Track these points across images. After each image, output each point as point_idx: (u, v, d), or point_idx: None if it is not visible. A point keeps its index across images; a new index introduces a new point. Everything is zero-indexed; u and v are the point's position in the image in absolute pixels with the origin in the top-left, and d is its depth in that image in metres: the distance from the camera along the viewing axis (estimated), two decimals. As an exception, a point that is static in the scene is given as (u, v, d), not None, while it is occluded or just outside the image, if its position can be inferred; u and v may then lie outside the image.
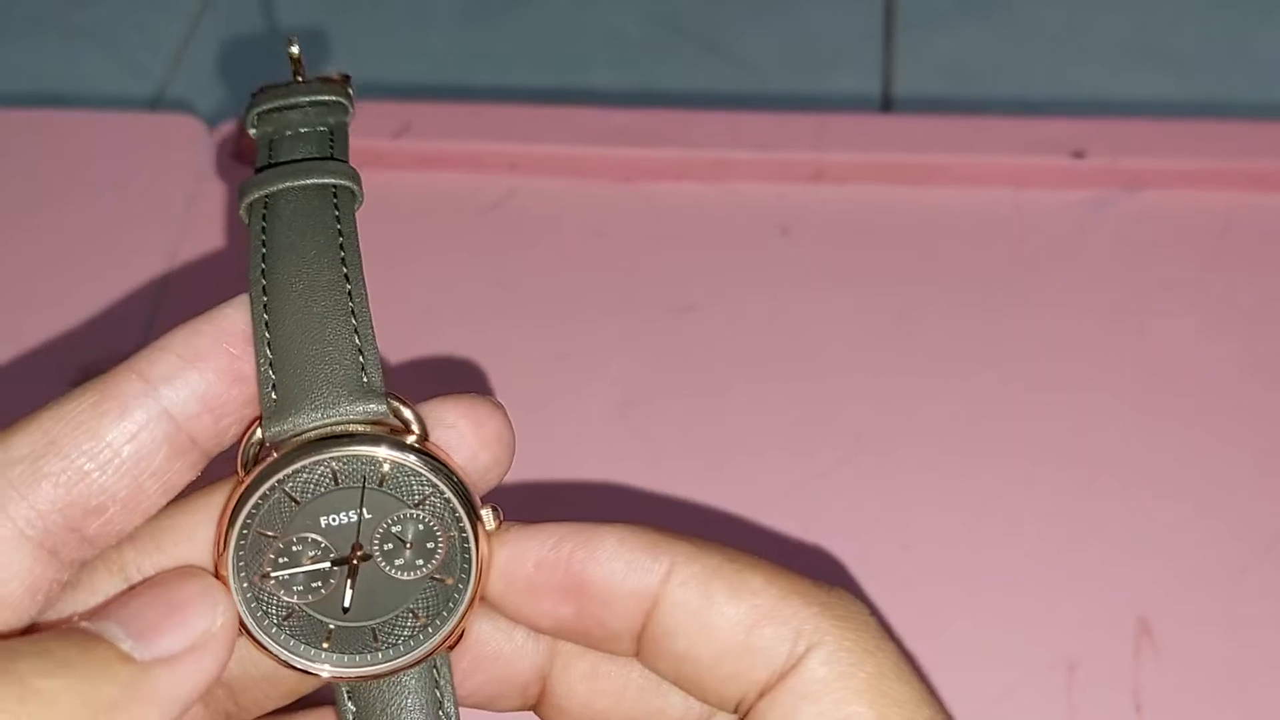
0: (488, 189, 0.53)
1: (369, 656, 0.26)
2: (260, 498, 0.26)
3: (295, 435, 0.25)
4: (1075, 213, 0.51)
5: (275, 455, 0.26)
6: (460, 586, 0.26)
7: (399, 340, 0.48)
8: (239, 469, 0.26)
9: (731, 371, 0.48)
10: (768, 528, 0.44)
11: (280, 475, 0.25)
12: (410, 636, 0.27)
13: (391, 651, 0.26)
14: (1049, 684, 0.40)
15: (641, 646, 0.27)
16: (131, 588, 0.25)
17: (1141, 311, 0.49)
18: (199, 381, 0.25)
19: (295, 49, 0.29)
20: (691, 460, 0.45)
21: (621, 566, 0.26)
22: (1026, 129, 0.52)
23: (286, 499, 0.26)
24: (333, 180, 0.27)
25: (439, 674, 0.27)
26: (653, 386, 0.47)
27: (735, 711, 0.27)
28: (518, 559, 0.27)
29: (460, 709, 0.27)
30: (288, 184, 0.27)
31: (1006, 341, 0.48)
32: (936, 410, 0.46)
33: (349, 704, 0.27)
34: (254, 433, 0.26)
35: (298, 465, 0.25)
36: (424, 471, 0.26)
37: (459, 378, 0.47)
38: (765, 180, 0.52)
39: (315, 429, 0.25)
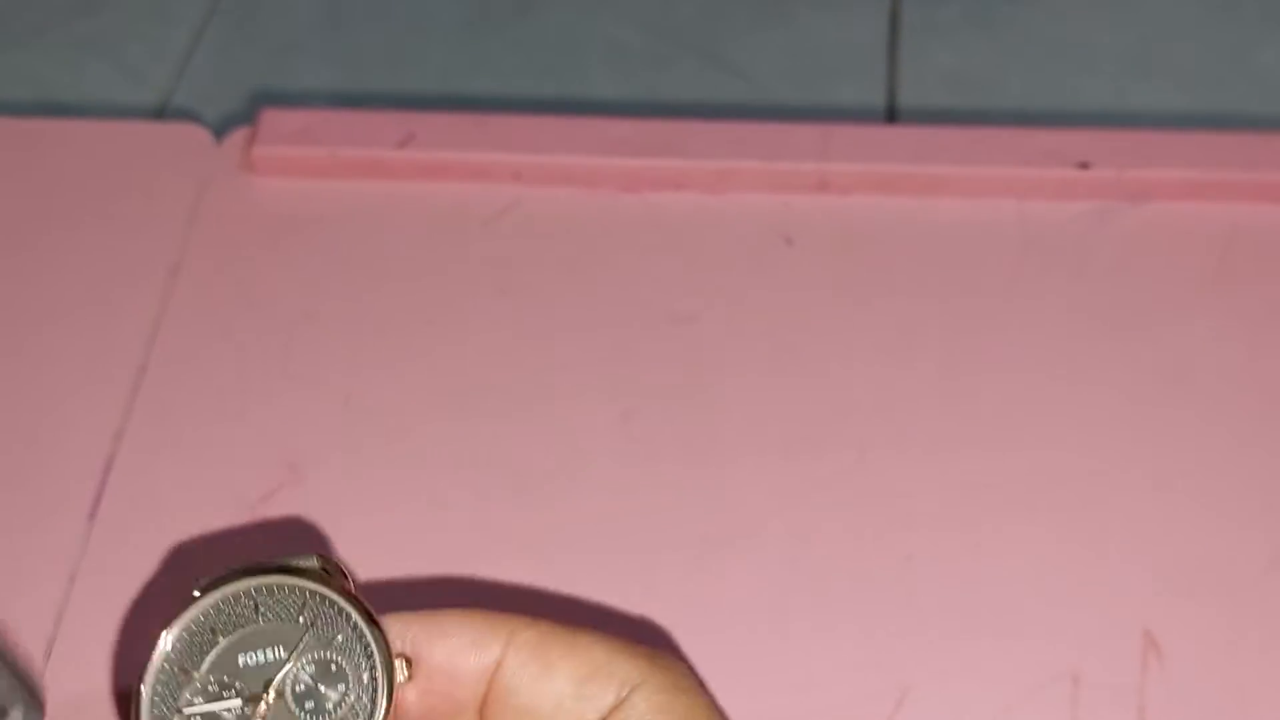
0: (491, 198, 0.53)
1: None
2: (182, 630, 0.27)
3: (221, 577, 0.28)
4: (1080, 224, 0.51)
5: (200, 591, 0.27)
6: None
7: (401, 350, 0.48)
8: None
9: (734, 381, 0.47)
10: (760, 543, 0.43)
11: (206, 605, 0.27)
12: None
13: None
14: (1053, 698, 0.40)
15: (484, 710, 0.29)
16: None
17: (1146, 322, 0.49)
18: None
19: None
20: (692, 469, 0.45)
21: (466, 643, 0.29)
22: (1031, 140, 0.52)
23: (207, 632, 0.27)
24: None
25: None
26: (654, 396, 0.47)
27: None
28: None
29: None
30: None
31: (1010, 352, 0.48)
32: (939, 421, 0.46)
33: None
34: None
35: (223, 593, 0.27)
36: (347, 610, 0.27)
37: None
38: (769, 190, 0.52)
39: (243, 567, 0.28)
